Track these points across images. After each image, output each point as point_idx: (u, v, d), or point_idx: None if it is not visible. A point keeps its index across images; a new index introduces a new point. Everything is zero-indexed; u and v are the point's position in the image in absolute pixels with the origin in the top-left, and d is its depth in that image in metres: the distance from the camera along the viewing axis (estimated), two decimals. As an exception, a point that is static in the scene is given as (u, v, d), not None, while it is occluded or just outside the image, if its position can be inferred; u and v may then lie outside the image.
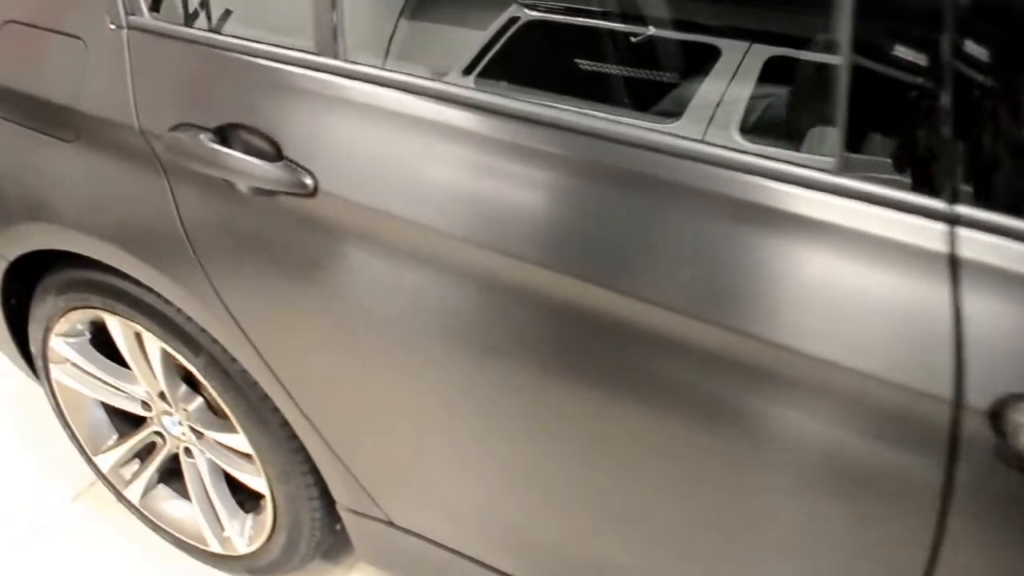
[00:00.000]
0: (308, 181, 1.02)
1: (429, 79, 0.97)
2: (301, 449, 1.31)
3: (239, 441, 1.36)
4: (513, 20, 1.51)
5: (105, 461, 1.61)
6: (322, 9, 1.03)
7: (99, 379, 1.50)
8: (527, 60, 1.51)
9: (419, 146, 0.97)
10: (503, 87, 1.28)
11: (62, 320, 1.44)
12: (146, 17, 1.17)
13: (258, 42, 1.09)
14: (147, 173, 1.17)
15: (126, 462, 1.61)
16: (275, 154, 1.04)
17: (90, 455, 1.64)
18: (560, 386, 0.93)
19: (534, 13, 1.52)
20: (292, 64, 1.04)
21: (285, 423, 1.28)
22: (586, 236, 0.87)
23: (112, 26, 1.18)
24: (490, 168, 0.93)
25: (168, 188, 1.15)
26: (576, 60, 1.49)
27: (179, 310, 1.27)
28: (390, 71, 0.99)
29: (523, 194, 0.91)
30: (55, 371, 1.53)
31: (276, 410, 1.27)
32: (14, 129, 1.30)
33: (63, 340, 1.48)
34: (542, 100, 0.92)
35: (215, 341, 1.26)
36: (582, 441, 0.96)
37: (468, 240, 0.93)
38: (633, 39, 1.47)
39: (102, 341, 1.49)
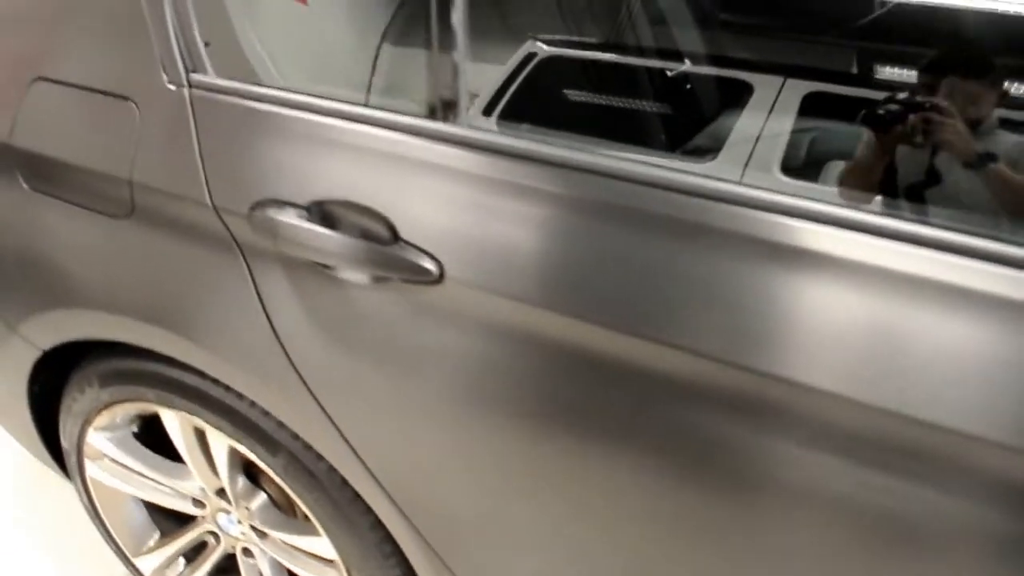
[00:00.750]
0: (431, 266, 0.87)
1: (573, 149, 0.84)
2: (395, 553, 1.15)
3: (320, 545, 1.20)
4: (530, 56, 1.38)
5: (148, 563, 1.43)
6: (440, 70, 0.89)
7: (144, 476, 1.33)
8: (551, 99, 1.39)
9: (561, 224, 0.83)
10: (528, 129, 1.20)
11: (104, 413, 1.26)
12: (212, 75, 1.02)
13: (358, 104, 0.94)
14: (220, 254, 1.01)
15: (171, 563, 1.44)
16: (389, 236, 0.89)
17: (129, 557, 1.45)
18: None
19: (551, 49, 1.40)
20: (405, 132, 0.90)
21: (377, 525, 1.13)
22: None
23: (171, 85, 1.02)
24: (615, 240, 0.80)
25: (247, 272, 1.00)
26: (601, 98, 1.38)
27: (253, 404, 1.10)
28: (523, 140, 0.85)
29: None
30: (91, 467, 1.35)
31: (368, 511, 1.12)
32: (50, 203, 1.13)
33: (103, 434, 1.30)
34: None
35: (296, 438, 1.10)
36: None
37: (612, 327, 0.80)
38: (668, 73, 1.38)
39: (145, 432, 1.32)
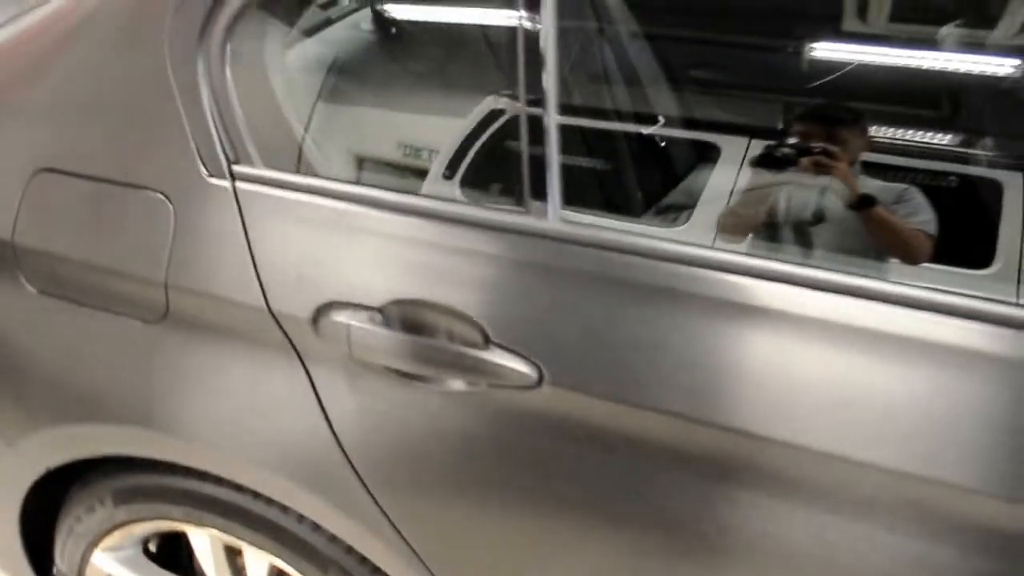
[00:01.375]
0: (528, 371, 0.82)
1: (662, 239, 0.81)
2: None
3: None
4: (495, 113, 1.35)
5: None
6: (531, 161, 0.85)
7: (157, 598, 1.20)
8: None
9: (669, 321, 0.80)
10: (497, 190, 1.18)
11: (116, 533, 1.13)
12: (259, 166, 0.95)
13: (430, 197, 0.89)
14: (273, 360, 0.93)
15: None
16: (480, 339, 0.84)
17: None
18: None
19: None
20: (490, 228, 0.85)
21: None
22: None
23: (211, 179, 0.95)
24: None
25: (307, 379, 0.92)
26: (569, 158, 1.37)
27: (301, 518, 1.01)
28: (618, 230, 0.82)
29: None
30: (91, 591, 1.21)
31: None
32: (62, 306, 1.02)
33: (110, 555, 1.17)
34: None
35: (350, 551, 1.01)
36: None
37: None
38: (636, 133, 1.39)
39: (160, 549, 1.19)
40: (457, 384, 0.85)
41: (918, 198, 1.12)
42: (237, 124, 0.95)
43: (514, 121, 0.87)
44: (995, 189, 1.21)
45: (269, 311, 0.91)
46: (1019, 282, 1.13)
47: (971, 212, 1.24)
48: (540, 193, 0.85)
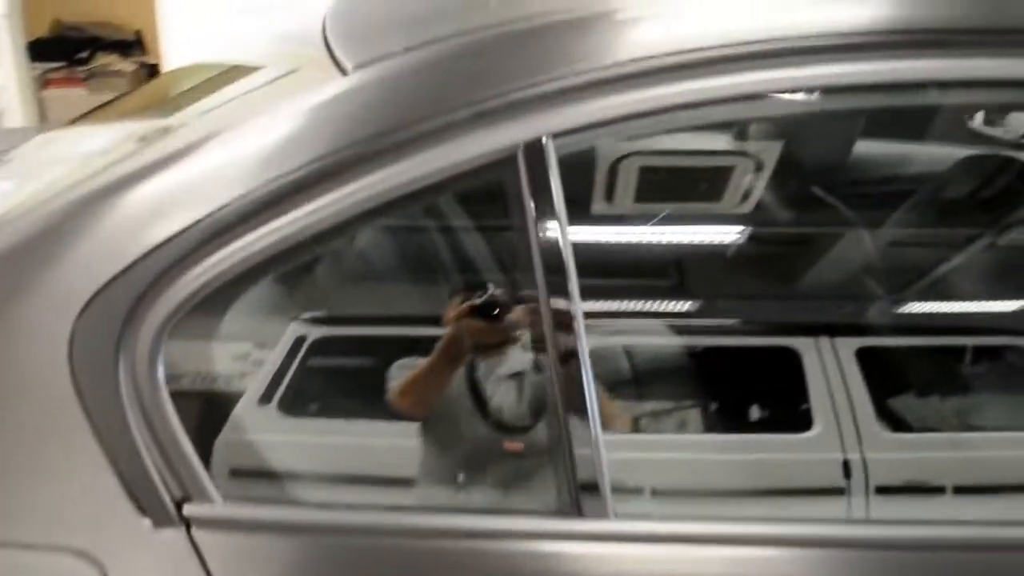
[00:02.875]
0: None
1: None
2: None
3: None
4: (300, 340, 1.26)
5: None
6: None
7: None
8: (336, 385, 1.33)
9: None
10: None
11: None
12: (218, 502, 0.77)
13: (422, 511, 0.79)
14: None
15: None
16: None
17: None
18: None
19: (322, 329, 1.28)
20: (504, 538, 0.76)
21: None
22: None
23: (154, 528, 0.75)
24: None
25: None
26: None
27: None
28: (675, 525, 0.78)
29: None
30: None
31: None
32: None
33: None
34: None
35: None
36: None
37: None
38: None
39: None
40: None
41: None
42: (184, 452, 0.76)
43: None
44: (793, 356, 1.33)
45: None
46: (841, 439, 1.24)
47: (779, 380, 1.36)
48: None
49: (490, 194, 0.79)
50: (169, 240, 0.73)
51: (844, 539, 0.77)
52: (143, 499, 0.76)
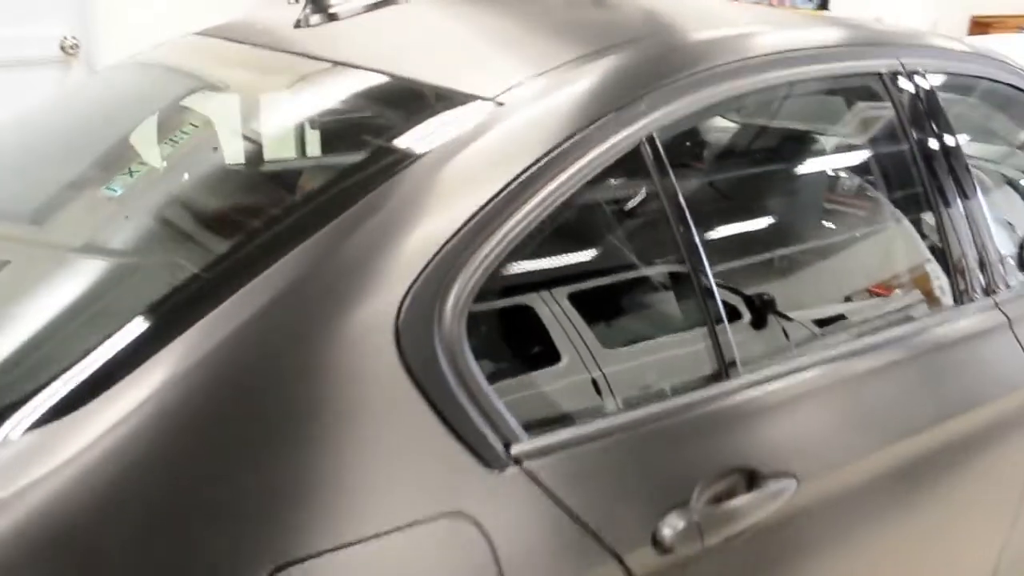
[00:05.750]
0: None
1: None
2: None
3: None
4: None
5: None
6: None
7: None
8: None
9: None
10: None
11: None
12: (533, 438, 0.91)
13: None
14: None
15: None
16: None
17: None
18: None
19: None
20: None
21: None
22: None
23: (498, 472, 0.88)
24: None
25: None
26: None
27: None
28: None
29: None
30: None
31: None
32: None
33: None
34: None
35: None
36: None
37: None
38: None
39: None
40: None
41: None
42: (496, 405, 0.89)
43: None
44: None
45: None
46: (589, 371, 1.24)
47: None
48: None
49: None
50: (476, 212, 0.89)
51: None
52: (481, 451, 0.87)
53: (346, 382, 0.82)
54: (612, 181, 1.09)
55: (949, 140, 1.43)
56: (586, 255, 1.29)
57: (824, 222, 1.69)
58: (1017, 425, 1.40)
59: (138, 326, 0.84)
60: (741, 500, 1.01)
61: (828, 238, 1.65)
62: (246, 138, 1.33)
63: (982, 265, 1.40)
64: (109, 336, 0.82)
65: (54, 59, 2.93)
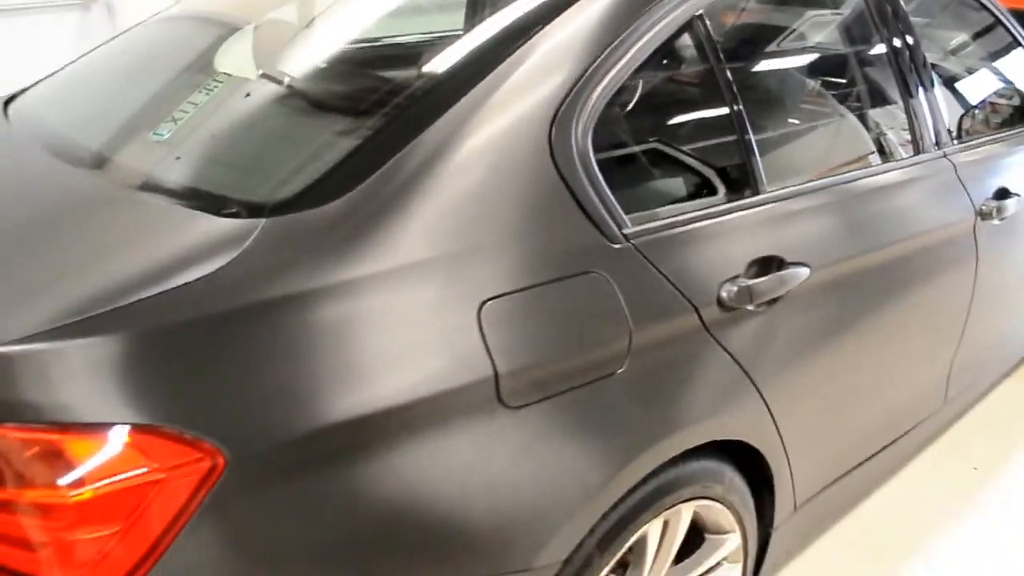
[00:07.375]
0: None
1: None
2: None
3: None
4: None
5: None
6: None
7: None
8: None
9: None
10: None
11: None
12: (635, 224, 1.29)
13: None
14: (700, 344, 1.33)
15: None
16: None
17: None
18: None
19: None
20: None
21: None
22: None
23: (615, 244, 1.24)
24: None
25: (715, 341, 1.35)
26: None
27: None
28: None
29: None
30: None
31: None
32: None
33: None
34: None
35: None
36: None
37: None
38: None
39: None
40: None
41: None
42: (610, 197, 1.26)
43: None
44: None
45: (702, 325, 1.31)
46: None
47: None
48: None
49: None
50: None
51: None
52: (603, 229, 1.23)
53: (522, 171, 1.19)
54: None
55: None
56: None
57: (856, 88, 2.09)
58: (963, 246, 1.87)
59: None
60: (772, 278, 1.41)
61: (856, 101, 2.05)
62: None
63: (935, 126, 1.86)
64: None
65: (74, 2, 3.04)
